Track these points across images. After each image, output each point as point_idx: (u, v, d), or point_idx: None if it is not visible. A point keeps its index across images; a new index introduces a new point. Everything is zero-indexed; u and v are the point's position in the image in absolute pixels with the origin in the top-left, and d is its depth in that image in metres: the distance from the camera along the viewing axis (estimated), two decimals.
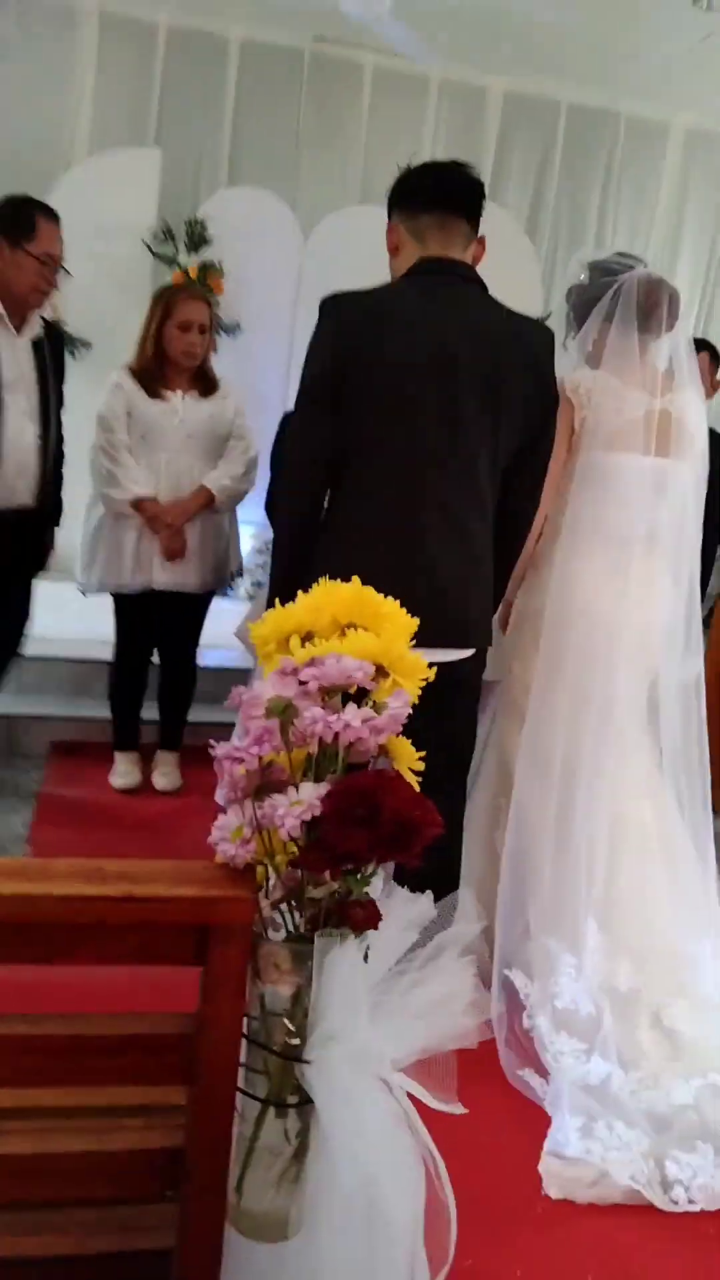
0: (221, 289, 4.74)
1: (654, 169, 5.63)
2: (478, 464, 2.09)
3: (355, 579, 1.16)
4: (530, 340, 2.15)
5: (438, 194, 2.12)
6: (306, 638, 1.09)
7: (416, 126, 5.36)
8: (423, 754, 2.16)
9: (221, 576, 3.44)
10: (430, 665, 2.02)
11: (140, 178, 4.84)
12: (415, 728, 2.19)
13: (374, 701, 1.03)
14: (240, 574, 3.64)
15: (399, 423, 2.04)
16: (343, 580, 1.98)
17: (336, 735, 0.95)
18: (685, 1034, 2.25)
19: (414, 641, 1.97)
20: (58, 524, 3.14)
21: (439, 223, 2.11)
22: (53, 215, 2.78)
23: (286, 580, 2.11)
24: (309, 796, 0.94)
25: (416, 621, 1.14)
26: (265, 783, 0.99)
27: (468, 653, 2.18)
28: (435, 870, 2.23)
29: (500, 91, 5.40)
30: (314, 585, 2.03)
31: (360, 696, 1.05)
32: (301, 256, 4.97)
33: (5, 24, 4.95)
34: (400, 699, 1.02)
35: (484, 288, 2.14)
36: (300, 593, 1.55)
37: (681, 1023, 2.27)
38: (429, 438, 2.04)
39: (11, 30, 4.95)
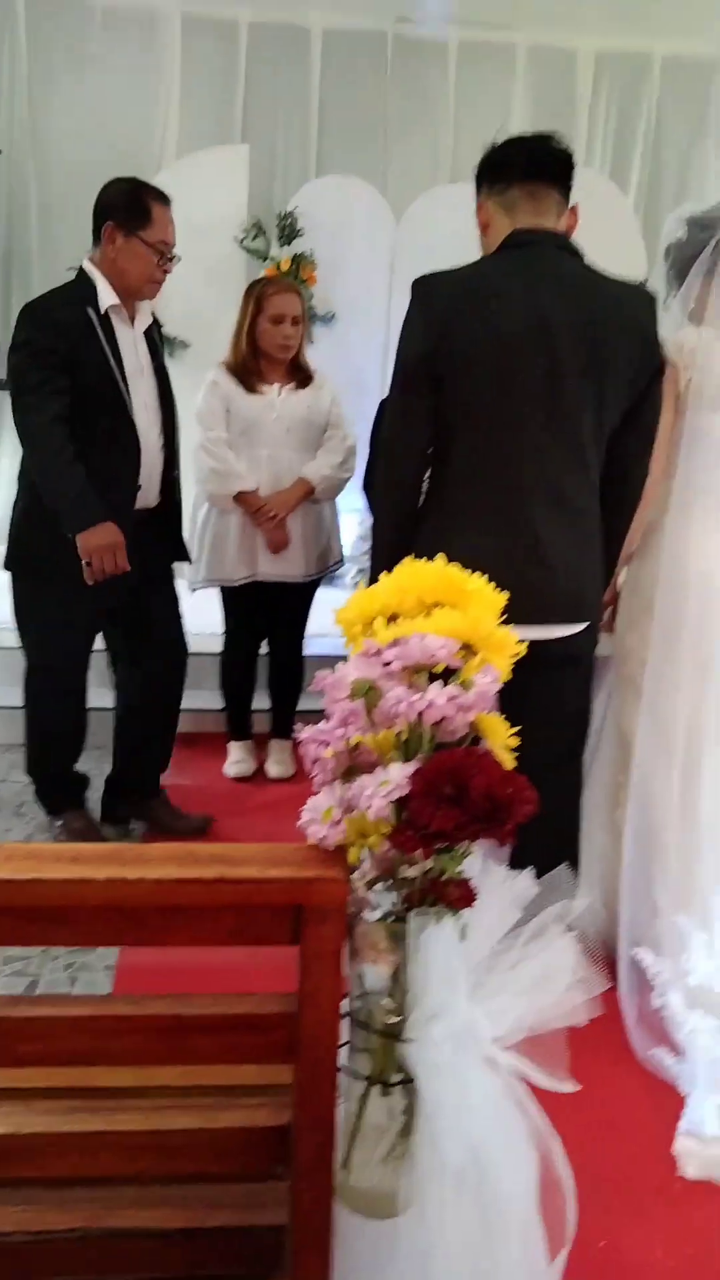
0: (315, 280, 4.76)
1: None
2: (582, 435, 2.05)
3: (445, 558, 1.15)
4: (631, 304, 2.08)
5: (527, 165, 2.07)
6: (392, 618, 1.08)
7: (505, 98, 5.25)
8: (540, 732, 2.17)
9: (325, 565, 3.47)
10: (543, 641, 2.03)
11: (229, 175, 4.90)
12: (530, 705, 2.19)
13: (462, 679, 1.01)
14: (343, 562, 3.66)
15: (500, 398, 2.01)
16: (448, 559, 1.99)
17: (421, 715, 0.95)
18: None
19: (525, 618, 1.99)
20: (180, 521, 3.10)
21: (529, 194, 2.06)
22: (166, 200, 2.71)
23: (390, 558, 2.12)
24: (396, 776, 0.94)
25: (505, 597, 1.12)
26: (353, 764, 0.99)
27: (580, 627, 2.14)
28: (555, 850, 2.22)
29: (591, 52, 5.24)
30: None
31: (450, 675, 1.04)
32: (394, 240, 4.95)
33: (91, 33, 5.07)
34: (489, 675, 1.01)
35: (580, 255, 2.09)
36: None
37: None
38: (531, 412, 2.01)
39: (97, 39, 5.07)
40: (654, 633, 2.38)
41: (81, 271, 2.71)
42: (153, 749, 3.11)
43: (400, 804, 0.95)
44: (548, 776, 2.24)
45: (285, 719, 3.59)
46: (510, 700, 2.21)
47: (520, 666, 2.04)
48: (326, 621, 3.73)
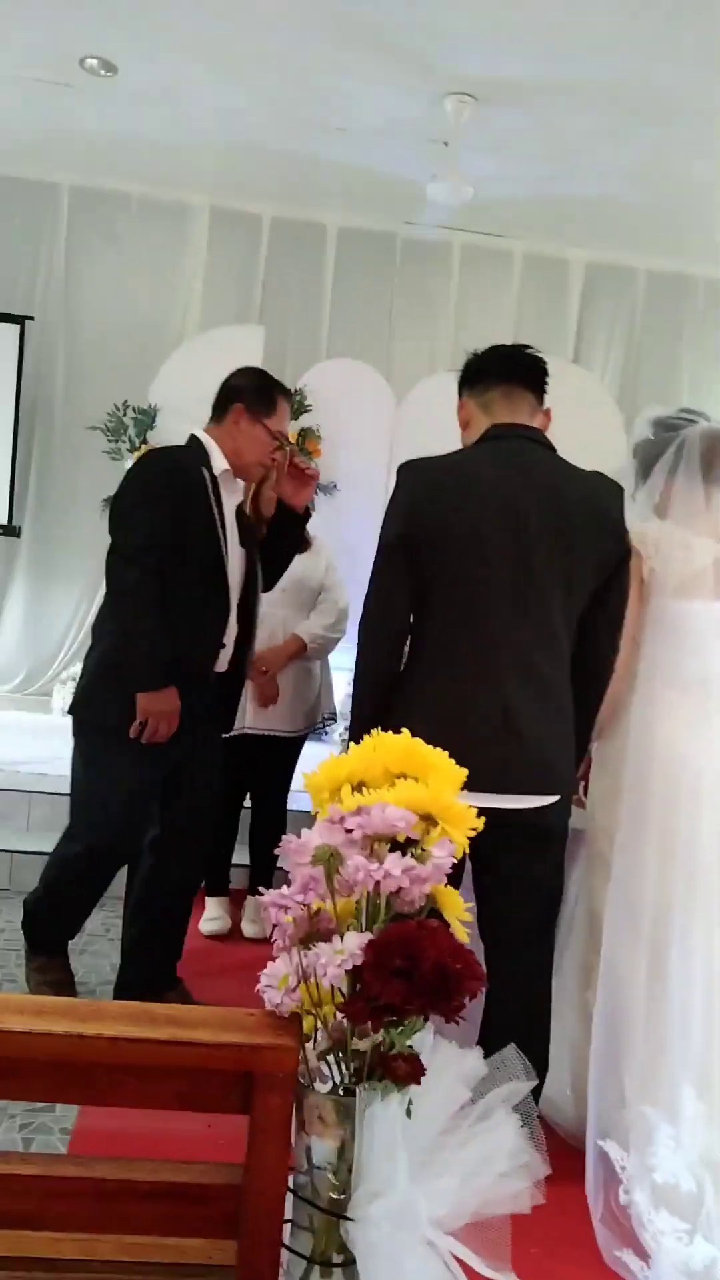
0: (319, 452, 5.03)
1: None
2: (553, 614, 2.15)
3: (419, 726, 1.20)
4: (599, 494, 2.22)
5: (503, 370, 2.27)
6: (359, 786, 1.13)
7: (502, 297, 5.70)
8: (512, 904, 2.16)
9: (313, 721, 3.53)
10: (515, 812, 2.06)
11: (245, 352, 5.19)
12: (502, 877, 2.19)
13: (419, 851, 1.05)
14: (334, 719, 3.72)
15: (474, 576, 2.12)
16: (422, 730, 2.05)
17: (378, 884, 0.98)
18: None
19: (496, 787, 2.02)
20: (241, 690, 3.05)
21: (505, 394, 2.25)
22: (289, 396, 2.87)
23: (366, 728, 2.17)
24: (351, 946, 0.96)
25: (465, 772, 1.17)
26: (312, 931, 1.02)
27: (552, 799, 2.18)
28: (523, 1027, 2.19)
29: (581, 262, 5.72)
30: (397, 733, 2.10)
31: (410, 846, 1.08)
32: (394, 420, 5.25)
33: (126, 218, 5.51)
34: (445, 849, 1.05)
35: (552, 449, 2.24)
36: None
37: None
38: (503, 590, 2.11)
39: (131, 223, 5.51)
40: (622, 812, 2.40)
41: (194, 438, 2.78)
42: (169, 938, 2.94)
43: (354, 974, 0.98)
44: (518, 950, 2.25)
45: (264, 876, 3.57)
46: (483, 872, 2.24)
47: (492, 837, 2.08)
48: None
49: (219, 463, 2.73)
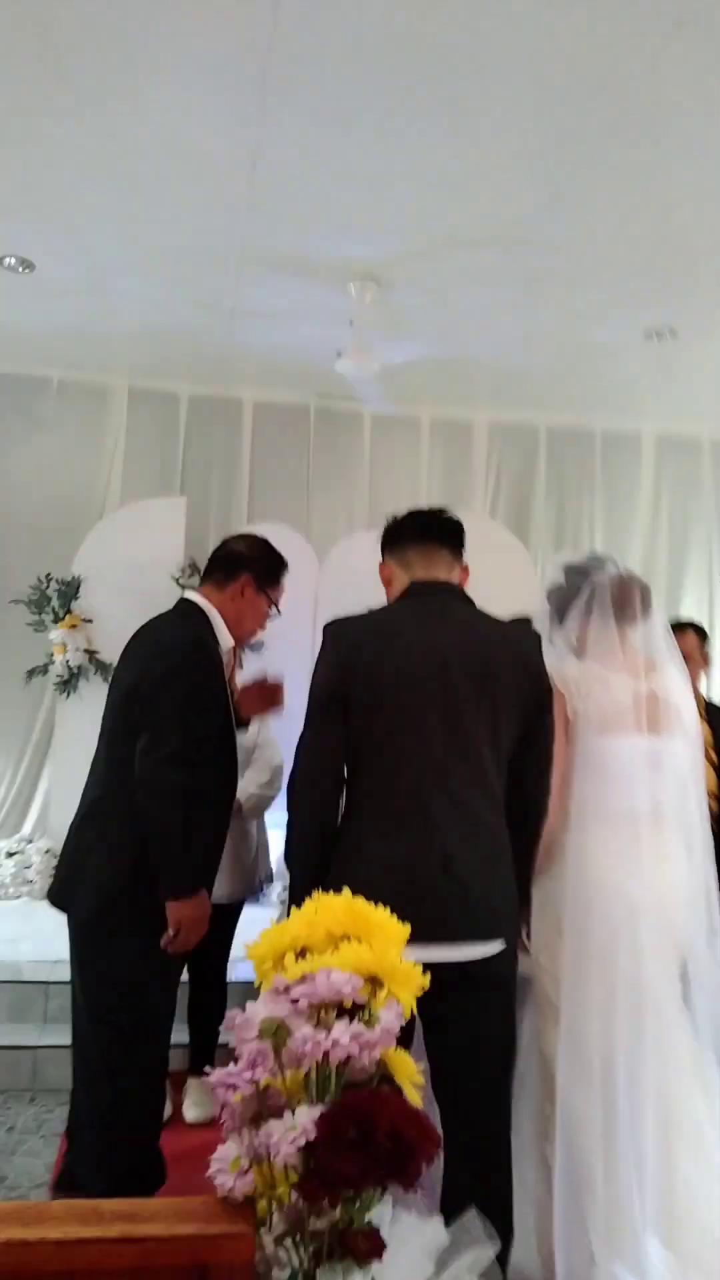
0: None
1: (632, 474, 6.20)
2: (483, 759, 2.19)
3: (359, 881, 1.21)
4: (518, 642, 2.32)
5: (419, 530, 2.39)
6: (302, 953, 1.13)
7: (414, 458, 6.01)
8: (465, 1059, 2.11)
9: (250, 884, 3.46)
10: (462, 963, 2.04)
11: (168, 522, 5.40)
12: (454, 1031, 2.15)
13: (365, 1015, 1.05)
14: (271, 880, 3.66)
15: (404, 727, 2.16)
16: (364, 884, 2.05)
17: (327, 1054, 0.98)
18: None
19: (441, 937, 2.01)
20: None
21: (421, 552, 2.36)
22: (287, 567, 2.87)
23: (305, 887, 2.17)
24: (303, 1120, 0.95)
25: (408, 930, 1.18)
26: (261, 1109, 1.00)
27: (497, 946, 2.17)
28: (484, 1188, 2.12)
29: (485, 423, 6.06)
30: (334, 889, 2.09)
31: (357, 1011, 1.08)
32: (316, 578, 5.39)
33: (47, 402, 5.70)
34: (392, 1011, 1.05)
35: (471, 602, 2.34)
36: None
37: None
38: (433, 738, 2.16)
39: (52, 406, 5.69)
40: (565, 953, 2.39)
41: (193, 605, 2.70)
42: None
43: (308, 1150, 0.96)
44: (474, 1109, 2.20)
45: (205, 1054, 3.38)
46: (434, 1030, 2.20)
47: (441, 993, 2.05)
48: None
49: (225, 638, 2.67)
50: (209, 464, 5.80)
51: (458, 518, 2.44)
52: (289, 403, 5.89)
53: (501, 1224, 2.18)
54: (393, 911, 1.81)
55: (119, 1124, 2.50)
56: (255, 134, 3.31)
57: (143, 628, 2.74)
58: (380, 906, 1.61)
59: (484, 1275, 1.01)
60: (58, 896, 2.60)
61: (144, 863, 2.45)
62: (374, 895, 2.00)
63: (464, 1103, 2.19)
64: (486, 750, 2.20)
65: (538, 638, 2.40)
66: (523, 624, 2.58)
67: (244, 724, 3.24)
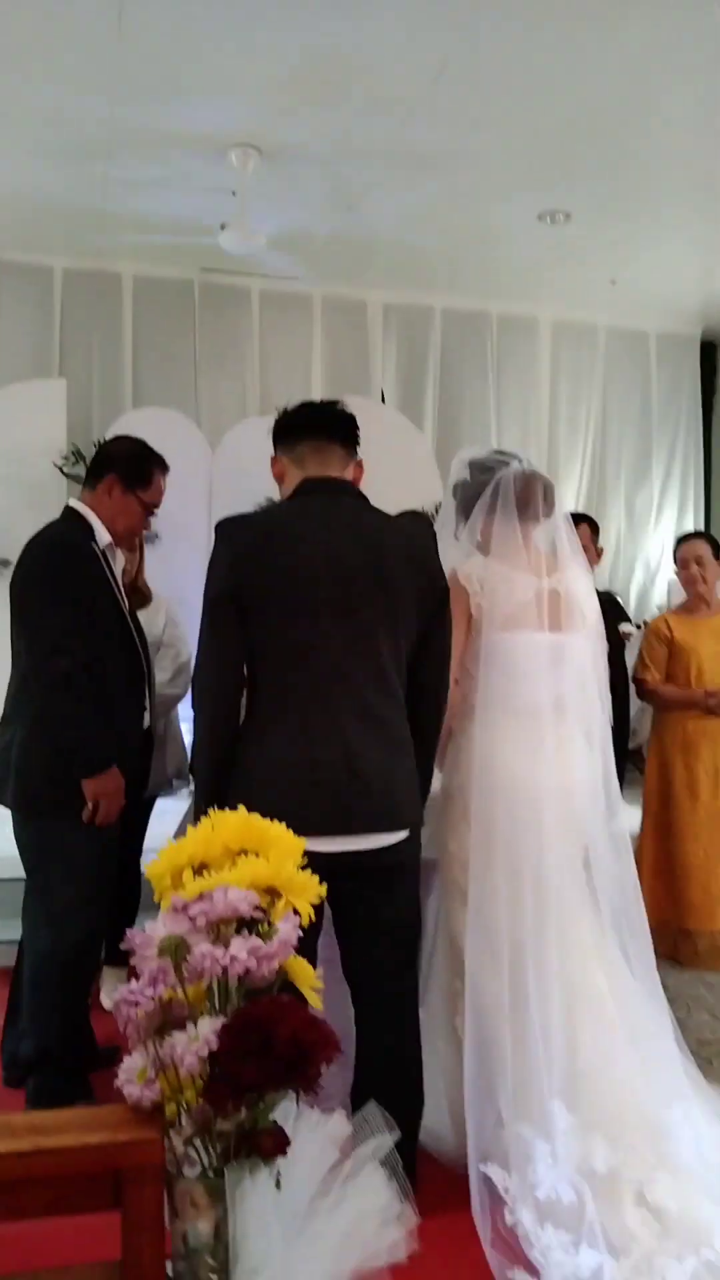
0: None
1: (530, 360, 6.14)
2: (382, 655, 2.22)
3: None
4: (413, 537, 2.32)
5: (312, 425, 2.34)
6: (200, 869, 1.15)
7: (305, 339, 5.83)
8: (373, 943, 2.20)
9: (160, 780, 3.48)
10: (367, 851, 2.11)
11: (47, 406, 5.16)
12: (361, 916, 2.24)
13: (264, 927, 1.08)
14: (183, 775, 3.68)
15: (302, 625, 2.18)
16: (268, 782, 2.08)
17: (225, 969, 1.00)
18: (672, 1210, 2.18)
19: (345, 829, 2.07)
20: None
21: (315, 448, 2.33)
22: (166, 469, 2.90)
23: (210, 783, 2.24)
24: (205, 1031, 0.98)
25: (304, 843, 1.20)
26: (165, 1020, 1.02)
27: (401, 835, 2.23)
28: (395, 1064, 2.23)
29: (379, 303, 5.90)
30: (239, 786, 2.12)
31: (256, 922, 1.11)
32: (210, 466, 5.25)
33: None
34: (290, 923, 1.08)
35: (364, 499, 2.33)
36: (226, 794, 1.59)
37: (667, 1198, 2.20)
38: (331, 635, 2.18)
39: None
40: (471, 839, 2.48)
41: (71, 510, 2.80)
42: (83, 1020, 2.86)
43: (212, 1058, 0.99)
44: (382, 989, 2.30)
45: (120, 943, 3.43)
46: (342, 916, 2.28)
47: (347, 881, 2.12)
48: (165, 834, 3.61)
49: (103, 535, 2.77)
50: (88, 343, 5.54)
51: (351, 412, 2.39)
52: (171, 278, 5.62)
53: (412, 1093, 2.32)
54: (298, 807, 1.89)
55: (47, 992, 2.70)
56: None
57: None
58: (285, 803, 1.67)
59: (384, 1161, 1.07)
60: None
61: (45, 748, 2.63)
62: (278, 793, 2.07)
63: (373, 983, 2.29)
64: (385, 646, 2.22)
65: (433, 533, 2.41)
66: (418, 519, 2.58)
67: (144, 601, 3.38)
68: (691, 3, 3.17)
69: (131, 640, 2.82)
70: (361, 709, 2.19)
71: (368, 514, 2.30)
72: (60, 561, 2.67)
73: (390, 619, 2.22)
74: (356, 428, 2.38)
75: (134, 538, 2.93)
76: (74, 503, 2.83)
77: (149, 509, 2.85)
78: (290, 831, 1.19)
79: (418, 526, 2.40)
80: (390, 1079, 2.24)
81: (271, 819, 1.23)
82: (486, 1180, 2.25)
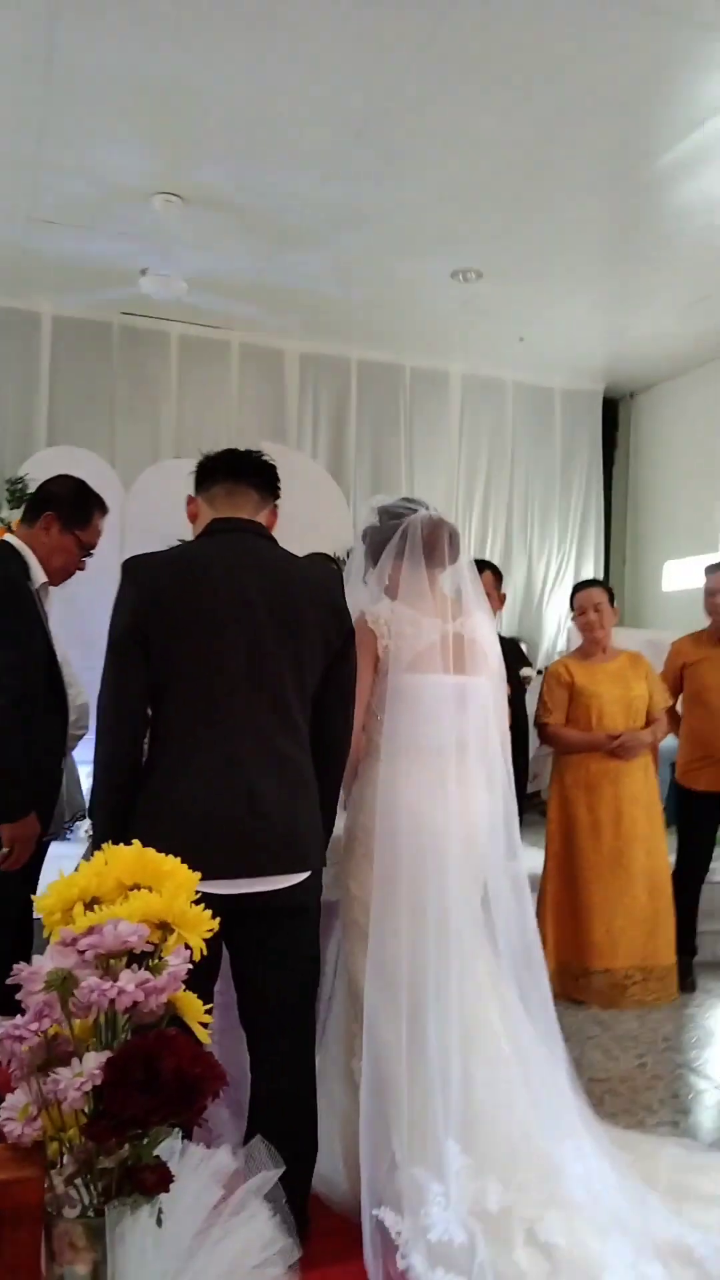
0: None
1: (441, 413, 6.30)
2: (288, 695, 2.23)
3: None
4: (319, 580, 2.35)
5: (228, 468, 2.38)
6: (92, 903, 1.14)
7: (223, 385, 5.88)
8: (271, 985, 2.18)
9: (59, 823, 3.42)
10: (269, 892, 2.10)
11: None
12: (260, 957, 2.22)
13: (155, 960, 1.08)
14: (83, 817, 3.62)
15: (206, 663, 2.18)
16: (168, 824, 2.06)
17: (113, 1002, 1.00)
18: (561, 1246, 2.20)
19: (246, 871, 2.06)
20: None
21: (228, 490, 2.36)
22: (105, 510, 2.90)
23: (108, 825, 2.19)
24: (90, 1066, 0.98)
25: (198, 877, 1.21)
26: (50, 1056, 1.02)
27: (302, 876, 2.23)
28: (289, 1110, 2.22)
29: (296, 353, 6.00)
30: (140, 828, 2.10)
31: (148, 956, 1.11)
32: (123, 507, 5.23)
33: None
34: (180, 957, 1.08)
35: (272, 540, 2.36)
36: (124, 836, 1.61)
37: (557, 1234, 2.22)
38: (239, 675, 2.18)
39: None
40: (374, 879, 2.49)
41: (8, 545, 2.77)
42: None
43: (96, 1093, 0.98)
44: (277, 1032, 2.29)
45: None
46: (239, 957, 2.27)
47: (246, 922, 2.10)
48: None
49: (38, 574, 2.78)
50: (4, 381, 5.51)
51: (272, 461, 2.44)
52: (91, 319, 5.64)
53: (306, 1139, 2.30)
54: (199, 849, 1.87)
55: None
56: (47, 35, 3.12)
57: None
58: (186, 845, 1.66)
59: (269, 1196, 1.07)
60: None
61: None
62: (179, 834, 2.05)
63: (268, 1021, 2.26)
64: (290, 686, 2.23)
65: (338, 575, 2.45)
66: (323, 561, 2.62)
67: None
68: (597, 72, 3.33)
69: (59, 681, 2.82)
70: (267, 750, 2.19)
71: (274, 554, 2.32)
72: (3, 600, 2.66)
73: (295, 659, 2.24)
74: (274, 475, 2.43)
75: (68, 576, 2.93)
76: (10, 538, 2.81)
77: (86, 549, 2.87)
78: (184, 866, 1.20)
79: (324, 568, 2.44)
80: (284, 1123, 2.22)
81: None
82: (379, 1225, 2.23)
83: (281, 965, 2.27)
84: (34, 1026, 1.00)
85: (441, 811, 2.52)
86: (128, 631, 2.18)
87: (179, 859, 1.21)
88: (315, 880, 2.30)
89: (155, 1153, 1.00)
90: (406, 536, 2.65)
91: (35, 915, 3.29)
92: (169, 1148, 1.02)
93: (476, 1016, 2.46)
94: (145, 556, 2.28)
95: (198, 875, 1.21)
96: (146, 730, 2.26)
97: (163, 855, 1.20)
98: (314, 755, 2.32)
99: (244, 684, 2.19)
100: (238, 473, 2.38)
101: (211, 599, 2.19)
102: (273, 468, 2.43)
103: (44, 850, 3.39)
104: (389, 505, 2.77)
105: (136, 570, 2.24)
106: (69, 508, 2.80)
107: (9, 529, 5.00)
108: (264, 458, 2.43)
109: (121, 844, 1.26)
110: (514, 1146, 2.33)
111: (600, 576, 6.46)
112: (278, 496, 2.45)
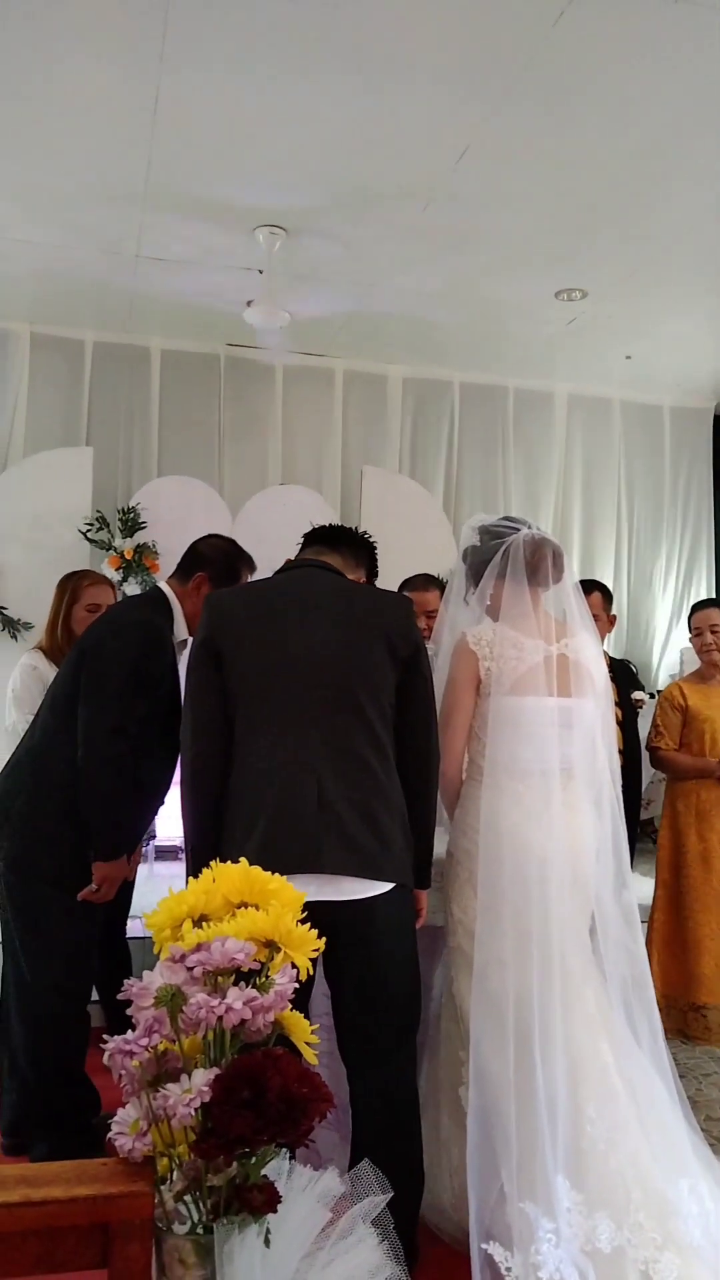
0: (157, 568, 5.08)
1: (544, 433, 6.24)
2: (361, 704, 2.25)
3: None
4: (385, 605, 2.39)
5: (323, 535, 2.56)
6: (200, 920, 1.16)
7: (327, 412, 5.93)
8: (364, 1011, 2.16)
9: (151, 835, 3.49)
10: (345, 904, 2.09)
11: (74, 473, 5.29)
12: (349, 983, 2.20)
13: (262, 979, 1.09)
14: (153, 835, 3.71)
15: (278, 676, 2.24)
16: (244, 829, 2.09)
17: (221, 1019, 1.01)
18: None
19: (311, 867, 2.06)
20: None
21: (316, 552, 2.52)
22: (253, 568, 2.98)
23: (200, 836, 2.26)
24: (199, 1083, 0.98)
25: (304, 895, 1.21)
26: (160, 1072, 1.03)
27: (376, 886, 2.17)
28: (392, 1140, 2.19)
29: (399, 377, 6.03)
30: (224, 836, 2.14)
31: (255, 974, 1.11)
32: (230, 534, 5.31)
33: None
34: (287, 975, 1.08)
35: (343, 576, 2.46)
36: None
37: (672, 1277, 2.15)
38: (308, 685, 2.23)
39: None
40: (477, 904, 2.46)
41: (161, 595, 2.88)
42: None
43: (204, 1110, 0.99)
44: (375, 1061, 2.26)
45: (117, 1013, 3.39)
46: (333, 983, 2.25)
47: (333, 943, 2.07)
48: (151, 902, 3.61)
49: (180, 629, 2.86)
50: (116, 414, 5.64)
51: (371, 540, 2.57)
52: (198, 351, 5.76)
53: (412, 1168, 2.27)
54: (272, 842, 1.97)
55: (43, 1059, 2.72)
56: (155, 77, 3.23)
57: (115, 604, 3.03)
58: (262, 838, 1.78)
59: (376, 1222, 1.06)
60: None
61: (72, 812, 2.66)
62: (255, 826, 2.08)
63: (366, 1054, 2.23)
64: (364, 697, 2.25)
65: (407, 603, 2.49)
66: (425, 582, 2.65)
67: None
68: (703, 90, 3.28)
69: (175, 736, 2.83)
70: (341, 751, 2.22)
71: (345, 584, 2.43)
72: (146, 648, 2.73)
73: (365, 671, 2.26)
74: (368, 547, 2.57)
75: None
76: (165, 587, 2.91)
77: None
78: (289, 884, 1.20)
79: (393, 597, 2.53)
80: (387, 1153, 2.18)
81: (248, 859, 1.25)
82: (489, 1259, 2.19)
83: (373, 992, 2.21)
84: (144, 1042, 1.01)
85: (545, 835, 2.48)
86: (201, 645, 2.28)
87: (255, 850, 1.22)
88: (396, 896, 2.22)
89: (263, 1172, 1.00)
90: (508, 556, 2.63)
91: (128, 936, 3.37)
92: (277, 1168, 1.02)
93: (585, 1048, 2.39)
94: (223, 589, 2.51)
95: (304, 895, 1.21)
96: (227, 741, 2.28)
97: (269, 874, 1.21)
98: (402, 768, 2.32)
99: (317, 694, 2.23)
100: (333, 540, 2.52)
101: (279, 614, 2.29)
102: (367, 542, 2.55)
103: (130, 886, 3.48)
104: (490, 525, 2.75)
105: (212, 599, 2.40)
106: (220, 569, 2.88)
107: (122, 558, 5.20)
108: (362, 534, 2.57)
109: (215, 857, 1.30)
110: (626, 1184, 2.25)
111: (713, 595, 6.29)
112: (373, 574, 2.59)
